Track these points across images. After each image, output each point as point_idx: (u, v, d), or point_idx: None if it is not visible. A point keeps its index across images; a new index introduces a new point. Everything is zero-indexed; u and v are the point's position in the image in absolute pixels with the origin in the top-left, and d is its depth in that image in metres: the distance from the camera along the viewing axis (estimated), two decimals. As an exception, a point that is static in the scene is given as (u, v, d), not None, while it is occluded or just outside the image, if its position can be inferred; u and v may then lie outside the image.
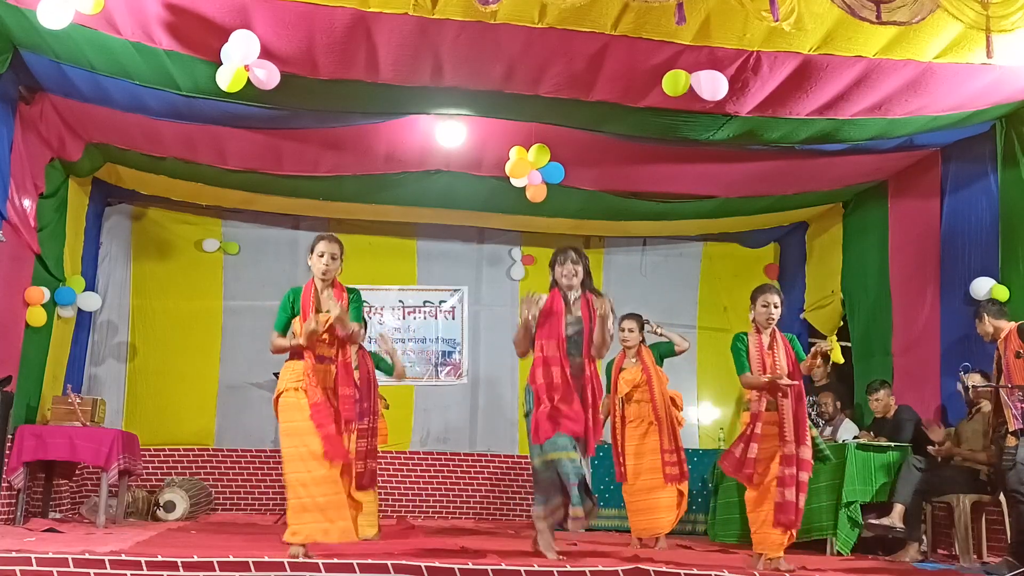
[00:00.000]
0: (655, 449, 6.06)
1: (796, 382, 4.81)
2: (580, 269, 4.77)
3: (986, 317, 5.66)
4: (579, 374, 4.72)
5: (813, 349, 4.84)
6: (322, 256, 4.55)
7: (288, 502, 4.42)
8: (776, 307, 4.94)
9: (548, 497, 4.77)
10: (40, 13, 4.86)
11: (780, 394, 4.81)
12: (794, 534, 4.82)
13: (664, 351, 6.41)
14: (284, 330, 4.54)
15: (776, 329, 4.98)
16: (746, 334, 5.01)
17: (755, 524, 4.93)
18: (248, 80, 5.29)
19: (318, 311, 4.49)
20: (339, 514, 4.36)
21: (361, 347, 6.21)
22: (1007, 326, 5.49)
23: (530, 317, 4.69)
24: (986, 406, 5.78)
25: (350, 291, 4.65)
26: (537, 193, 6.79)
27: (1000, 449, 5.23)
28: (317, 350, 4.48)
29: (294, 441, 4.40)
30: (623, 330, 6.29)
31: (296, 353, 4.52)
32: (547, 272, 9.42)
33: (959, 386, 5.98)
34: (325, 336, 4.48)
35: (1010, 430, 5.11)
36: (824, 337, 8.70)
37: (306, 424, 4.38)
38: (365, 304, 9.06)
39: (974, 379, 5.88)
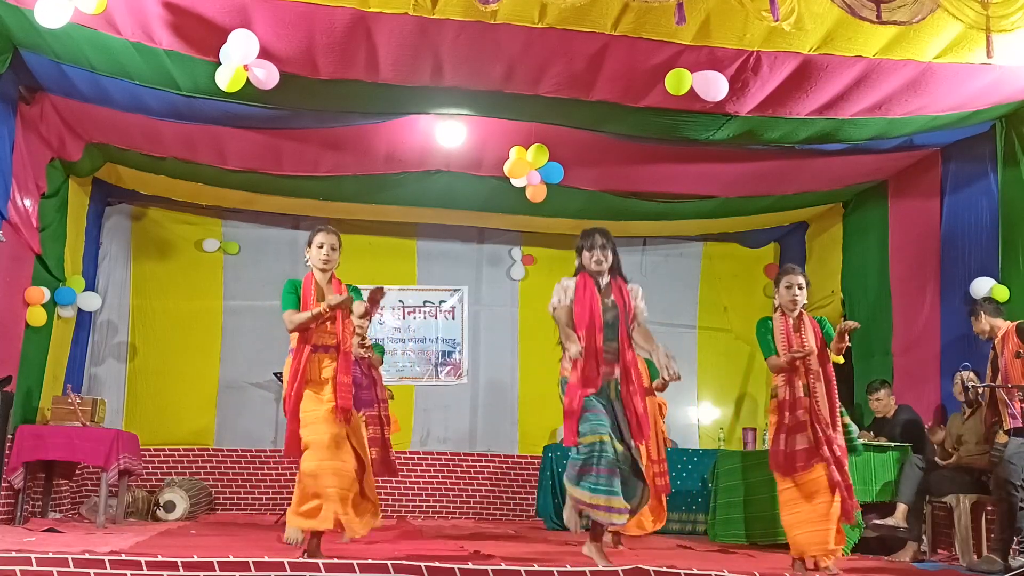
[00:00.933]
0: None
1: (811, 350, 4.65)
2: (610, 254, 4.50)
3: (983, 315, 5.66)
4: (614, 360, 4.39)
5: (839, 327, 4.69)
6: (321, 247, 4.56)
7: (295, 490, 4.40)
8: (801, 288, 4.78)
9: (588, 480, 4.21)
10: (37, 11, 4.86)
11: (812, 377, 4.67)
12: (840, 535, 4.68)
13: (652, 372, 6.36)
14: (297, 307, 4.45)
15: (804, 312, 4.82)
16: (770, 318, 4.85)
17: (797, 524, 4.66)
18: (248, 80, 5.30)
19: (319, 301, 4.46)
20: (340, 507, 4.28)
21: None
22: (1004, 325, 5.49)
23: (558, 307, 4.40)
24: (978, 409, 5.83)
25: (348, 287, 4.63)
26: (537, 193, 6.79)
27: (991, 446, 5.27)
28: (315, 339, 4.44)
29: (308, 432, 4.35)
30: None
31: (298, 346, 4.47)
32: (546, 272, 9.40)
33: (958, 385, 5.98)
34: (328, 323, 4.45)
35: (1004, 428, 5.13)
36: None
37: (315, 414, 4.35)
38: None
39: (966, 378, 5.90)
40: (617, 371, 4.40)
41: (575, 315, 4.42)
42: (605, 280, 4.51)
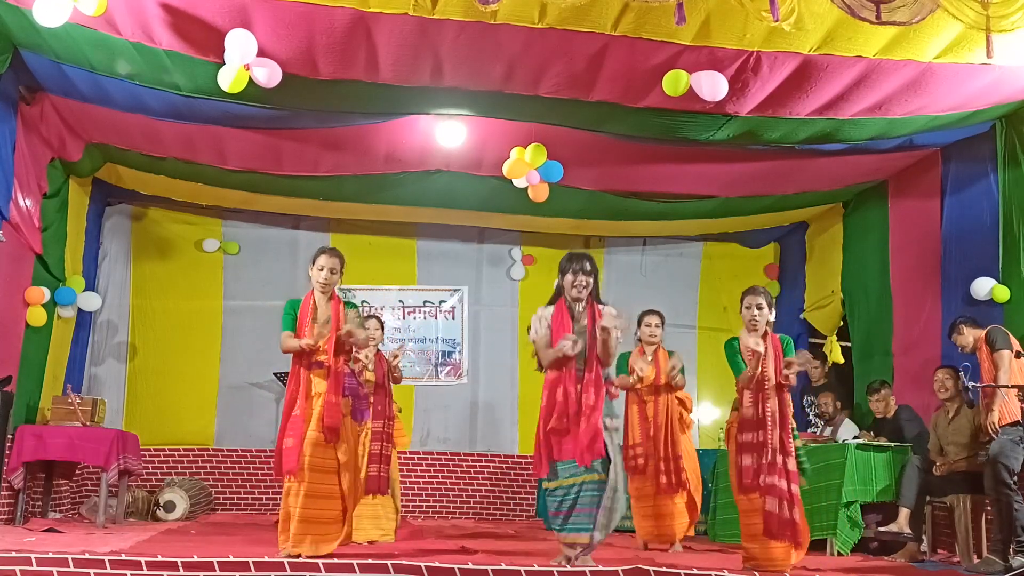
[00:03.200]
0: (654, 455, 6.01)
1: (760, 349, 4.64)
2: (591, 281, 4.56)
3: (964, 328, 5.70)
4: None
5: (787, 360, 4.67)
6: (322, 270, 4.69)
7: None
8: (760, 308, 4.79)
9: (569, 521, 4.40)
10: (36, 10, 4.86)
11: (767, 399, 4.65)
12: (799, 551, 4.65)
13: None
14: (293, 329, 4.65)
15: (769, 331, 4.83)
16: (737, 339, 4.87)
17: (746, 536, 4.78)
18: (249, 80, 5.29)
19: (315, 321, 4.62)
20: (318, 528, 4.45)
21: (378, 350, 6.14)
22: (980, 334, 5.57)
23: (537, 338, 4.57)
24: (964, 409, 5.84)
25: (346, 304, 4.76)
26: (539, 193, 6.80)
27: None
28: (313, 357, 4.60)
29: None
30: (648, 325, 6.19)
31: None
32: (546, 272, 9.35)
33: (937, 382, 6.00)
34: (322, 344, 4.60)
35: (986, 436, 5.25)
36: (824, 337, 8.71)
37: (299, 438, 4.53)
38: (365, 304, 9.17)
39: (943, 374, 5.96)
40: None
41: (552, 343, 4.54)
42: (581, 307, 4.57)
